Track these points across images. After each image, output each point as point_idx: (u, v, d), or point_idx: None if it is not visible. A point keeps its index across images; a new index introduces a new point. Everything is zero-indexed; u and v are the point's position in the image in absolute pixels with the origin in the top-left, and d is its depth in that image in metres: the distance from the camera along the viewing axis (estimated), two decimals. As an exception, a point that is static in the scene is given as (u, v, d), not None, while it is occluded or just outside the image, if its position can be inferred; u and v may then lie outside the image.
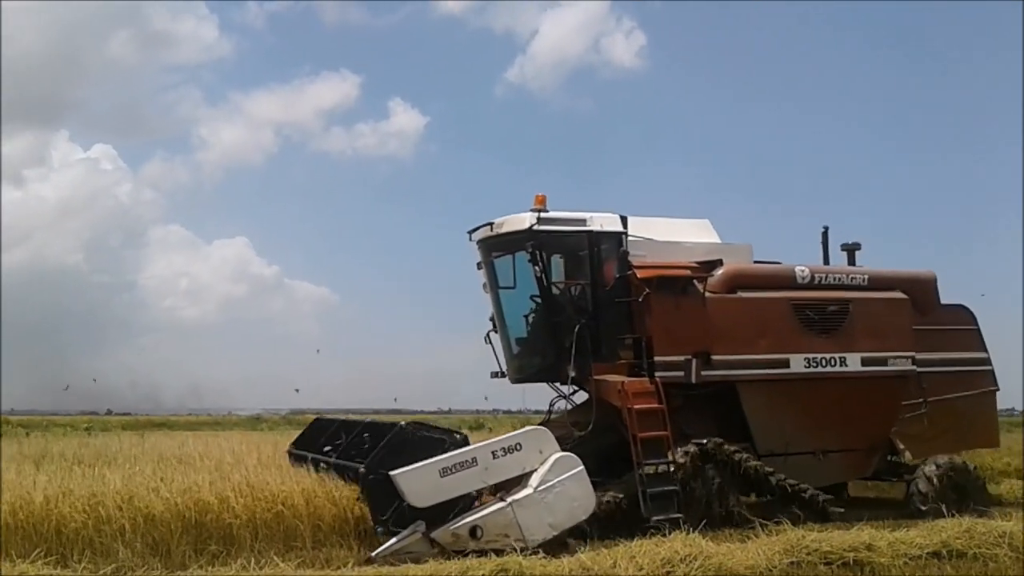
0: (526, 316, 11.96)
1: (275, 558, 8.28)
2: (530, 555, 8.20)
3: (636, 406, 10.62)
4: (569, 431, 11.49)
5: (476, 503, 9.53)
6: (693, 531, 10.26)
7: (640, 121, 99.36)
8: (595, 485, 10.93)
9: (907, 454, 12.81)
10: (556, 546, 9.36)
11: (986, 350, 13.78)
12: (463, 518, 9.24)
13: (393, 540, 9.01)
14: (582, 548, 9.32)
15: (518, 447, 9.61)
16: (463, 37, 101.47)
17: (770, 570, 8.02)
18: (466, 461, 9.31)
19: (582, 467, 9.80)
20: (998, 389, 13.89)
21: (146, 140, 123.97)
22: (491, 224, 11.82)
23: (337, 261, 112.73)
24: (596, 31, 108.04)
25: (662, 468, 10.56)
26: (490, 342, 12.61)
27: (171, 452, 13.29)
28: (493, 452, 9.49)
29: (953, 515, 10.16)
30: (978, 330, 13.77)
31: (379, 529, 9.05)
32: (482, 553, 8.66)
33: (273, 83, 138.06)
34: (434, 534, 9.10)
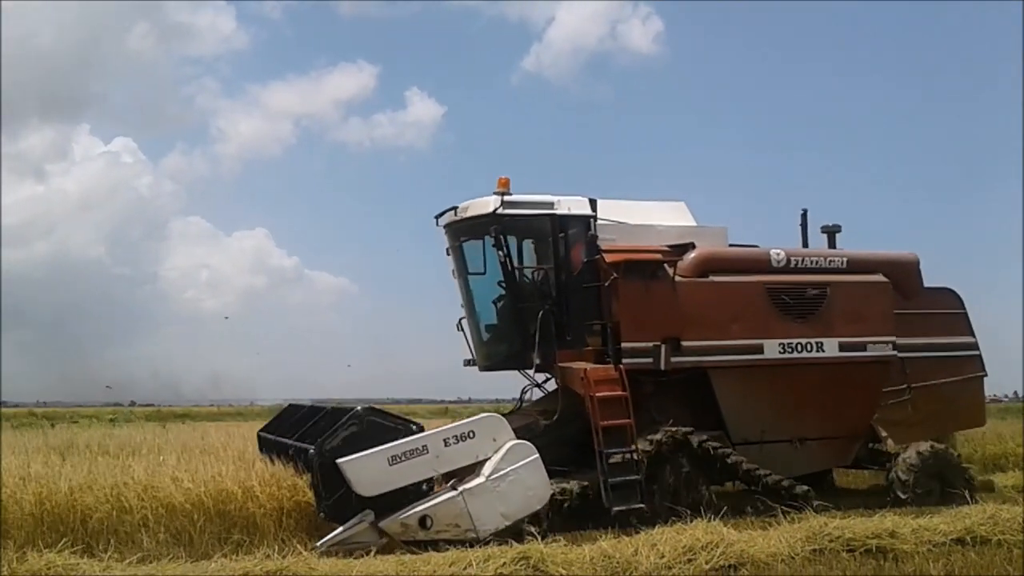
0: (495, 302, 11.63)
1: (298, 547, 8.11)
2: (550, 542, 8.01)
3: (598, 394, 10.29)
4: (536, 420, 11.21)
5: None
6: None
7: (658, 107, 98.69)
8: (562, 474, 10.70)
9: (889, 441, 12.40)
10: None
11: (973, 334, 13.31)
12: (413, 507, 8.96)
13: (340, 529, 8.76)
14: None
15: (471, 435, 9.31)
16: (479, 26, 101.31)
17: (792, 557, 7.86)
18: (416, 449, 9.02)
19: (537, 455, 9.48)
20: (986, 374, 13.42)
21: (165, 133, 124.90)
22: (455, 208, 11.50)
23: (356, 251, 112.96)
24: (613, 17, 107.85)
25: (625, 457, 10.20)
26: (462, 329, 12.30)
27: (194, 443, 13.35)
28: (445, 440, 9.19)
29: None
30: (965, 314, 13.31)
31: (322, 514, 8.82)
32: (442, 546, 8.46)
33: (291, 74, 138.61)
34: (382, 523, 8.84)
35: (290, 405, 12.65)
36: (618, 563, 7.56)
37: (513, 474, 9.30)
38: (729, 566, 7.61)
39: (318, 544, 8.60)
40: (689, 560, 7.63)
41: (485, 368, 11.79)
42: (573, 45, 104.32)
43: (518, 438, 9.95)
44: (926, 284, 13.25)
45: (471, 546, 8.44)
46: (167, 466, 9.97)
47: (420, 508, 8.97)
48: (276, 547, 8.06)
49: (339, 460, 8.74)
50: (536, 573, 7.08)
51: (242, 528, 9.00)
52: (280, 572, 6.73)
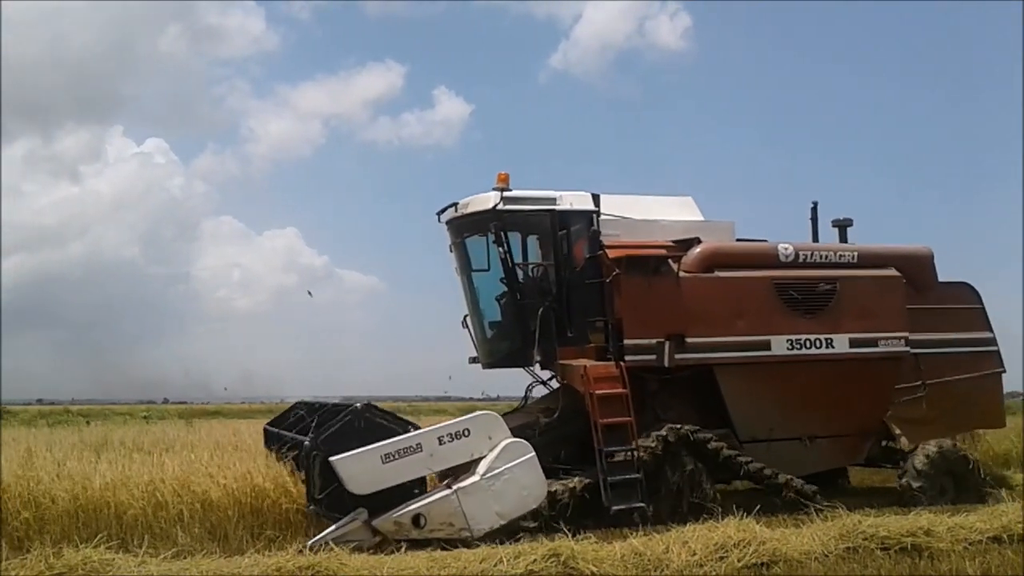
0: (498, 299, 11.48)
1: (331, 543, 8.12)
2: (581, 539, 7.88)
3: (598, 391, 10.10)
4: (537, 418, 11.07)
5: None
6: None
7: (687, 104, 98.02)
8: (566, 472, 10.54)
9: (903, 440, 12.06)
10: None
11: (991, 330, 12.93)
12: (406, 506, 8.86)
13: (333, 527, 8.70)
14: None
15: (466, 433, 9.19)
16: (506, 24, 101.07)
17: (826, 556, 7.73)
18: (410, 447, 8.94)
19: (533, 454, 9.34)
20: (1004, 371, 13.04)
21: (197, 133, 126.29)
22: (456, 205, 11.37)
23: (385, 250, 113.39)
24: (640, 14, 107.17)
25: (625, 455, 10.01)
26: (467, 327, 12.17)
27: (226, 439, 13.50)
28: (439, 438, 9.09)
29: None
30: (982, 309, 12.93)
31: (311, 507, 8.78)
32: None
33: (320, 75, 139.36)
34: (375, 522, 8.76)
35: (298, 402, 12.61)
36: (649, 560, 7.50)
37: (508, 473, 9.17)
38: (761, 564, 7.51)
39: (310, 542, 8.52)
40: (721, 558, 7.53)
41: (488, 366, 11.64)
42: (601, 42, 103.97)
43: (518, 436, 9.84)
44: (942, 279, 12.91)
45: (500, 542, 8.24)
46: (201, 462, 10.13)
47: (414, 506, 8.89)
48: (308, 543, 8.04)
49: (332, 458, 8.65)
50: (566, 570, 7.03)
51: (274, 524, 9.19)
52: (312, 568, 6.71)
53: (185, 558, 7.59)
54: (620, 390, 10.18)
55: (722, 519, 8.65)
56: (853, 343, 11.66)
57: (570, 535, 8.04)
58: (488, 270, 11.34)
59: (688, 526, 8.40)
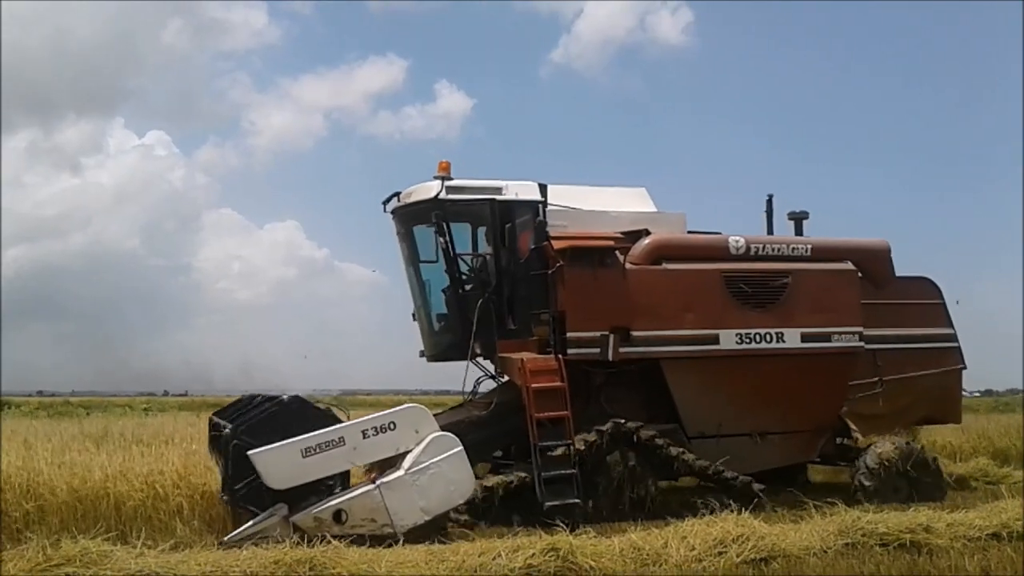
0: (444, 291, 11.16)
1: (328, 537, 7.82)
2: (579, 534, 7.69)
3: (534, 385, 9.76)
4: (480, 412, 10.78)
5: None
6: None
7: (688, 99, 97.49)
8: (504, 467, 10.25)
9: (859, 436, 11.74)
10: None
11: (952, 325, 12.57)
12: (327, 501, 8.55)
13: (250, 523, 8.42)
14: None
15: (391, 426, 8.87)
16: (508, 18, 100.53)
17: (824, 551, 7.62)
18: (332, 441, 8.62)
19: (460, 448, 9.01)
20: (964, 367, 12.68)
21: (198, 126, 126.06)
22: (398, 194, 11.05)
23: (387, 244, 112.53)
24: (641, 8, 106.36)
25: (561, 450, 9.68)
26: (416, 320, 11.86)
27: None
28: (363, 431, 8.77)
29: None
30: (943, 304, 12.58)
31: (223, 496, 8.55)
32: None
33: (321, 68, 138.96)
34: (294, 518, 8.45)
35: (243, 395, 12.31)
36: (647, 555, 7.38)
37: (434, 467, 8.84)
38: (760, 559, 7.38)
39: (225, 538, 8.25)
40: (720, 553, 7.42)
41: (432, 359, 11.34)
42: (602, 37, 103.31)
43: (458, 431, 9.55)
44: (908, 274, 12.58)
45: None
46: (200, 455, 10.06)
47: (335, 502, 8.58)
48: (305, 537, 7.75)
49: (250, 452, 8.35)
50: (565, 565, 6.90)
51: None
52: (309, 560, 6.59)
53: (183, 550, 7.43)
54: (557, 384, 9.85)
55: (747, 512, 8.45)
56: (805, 337, 11.31)
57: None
58: (436, 261, 11.03)
59: (687, 520, 8.24)
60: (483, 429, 10.49)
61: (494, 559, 6.88)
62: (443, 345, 11.12)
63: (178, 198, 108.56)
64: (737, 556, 7.38)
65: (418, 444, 8.89)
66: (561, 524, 8.13)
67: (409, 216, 11.10)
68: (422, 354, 11.85)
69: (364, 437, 8.74)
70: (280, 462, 8.39)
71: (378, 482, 8.71)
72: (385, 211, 11.34)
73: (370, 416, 8.99)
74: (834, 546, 7.77)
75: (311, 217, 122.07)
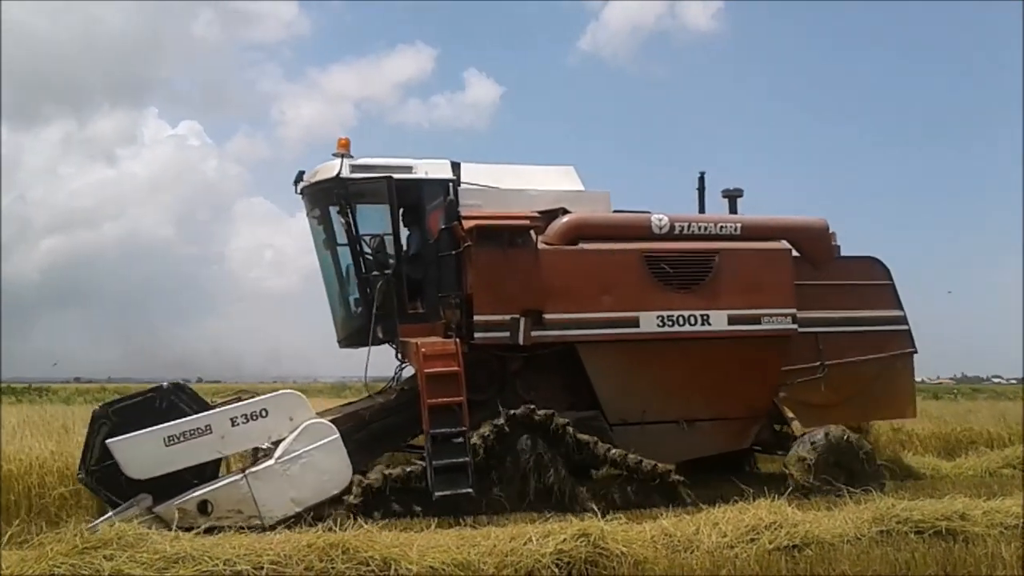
0: (346, 274, 10.55)
1: (360, 519, 7.60)
2: (611, 519, 7.31)
3: (427, 369, 9.12)
4: (386, 400, 10.19)
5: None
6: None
7: (718, 85, 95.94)
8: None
9: (796, 424, 10.92)
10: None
11: (901, 307, 11.68)
12: (192, 492, 8.02)
13: (111, 514, 7.92)
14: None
15: (263, 413, 8.35)
16: (536, 6, 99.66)
17: (858, 539, 7.35)
18: (198, 429, 8.11)
19: (337, 436, 8.46)
20: (915, 351, 11.79)
21: (230, 116, 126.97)
22: (302, 173, 10.46)
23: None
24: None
25: (454, 438, 9.04)
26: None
27: None
28: (232, 419, 8.27)
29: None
30: (891, 284, 11.69)
31: (80, 475, 8.10)
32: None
33: (350, 58, 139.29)
34: (157, 509, 7.94)
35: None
36: (679, 541, 7.18)
37: (306, 456, 8.32)
38: (793, 546, 7.11)
39: (88, 527, 7.72)
40: (752, 540, 7.18)
41: (343, 344, 10.71)
42: (631, 24, 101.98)
43: (365, 418, 9.00)
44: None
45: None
46: None
47: (199, 492, 8.08)
48: (338, 519, 7.44)
49: (109, 441, 7.86)
50: (596, 550, 6.66)
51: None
52: (342, 543, 6.34)
53: (218, 534, 7.16)
54: (453, 368, 9.20)
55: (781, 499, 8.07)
56: (732, 320, 10.54)
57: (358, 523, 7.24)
58: (343, 243, 10.43)
59: (718, 507, 7.90)
60: (392, 416, 9.91)
61: (525, 544, 6.68)
62: (350, 330, 10.51)
63: (211, 188, 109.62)
64: (769, 543, 7.13)
65: (291, 432, 8.32)
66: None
67: (315, 196, 10.49)
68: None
69: (233, 425, 8.24)
70: (140, 451, 7.93)
71: (247, 471, 8.17)
72: (296, 192, 10.73)
73: (240, 403, 8.44)
74: (868, 533, 7.47)
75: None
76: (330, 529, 6.67)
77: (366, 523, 7.96)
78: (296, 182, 10.63)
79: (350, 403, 10.58)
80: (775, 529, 7.28)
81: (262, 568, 6.09)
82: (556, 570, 6.41)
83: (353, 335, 10.36)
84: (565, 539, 6.67)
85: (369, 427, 9.74)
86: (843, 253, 11.62)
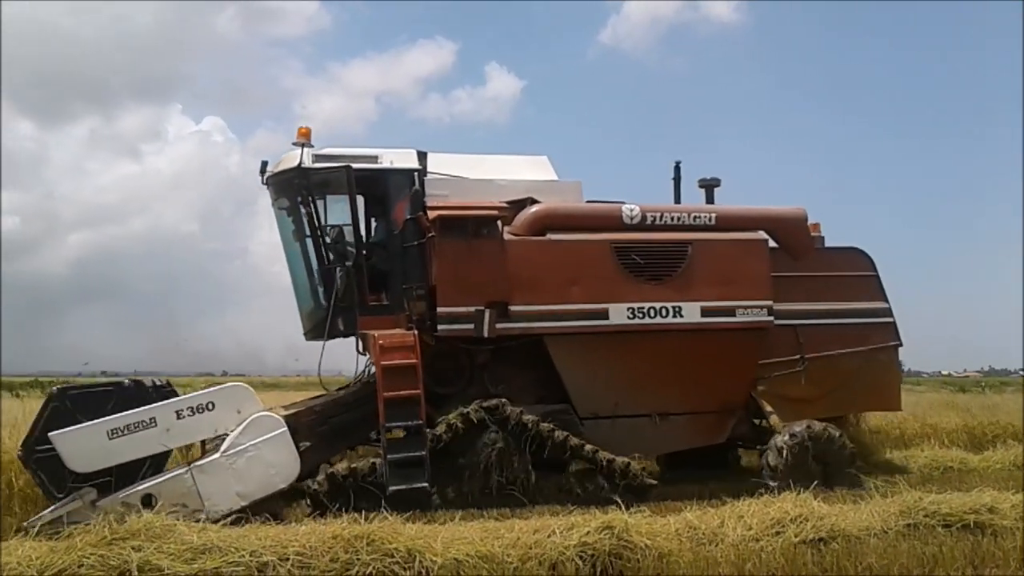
0: (307, 266, 10.31)
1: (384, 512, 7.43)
2: (635, 512, 7.14)
3: (383, 362, 8.87)
4: (345, 395, 9.98)
5: None
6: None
7: (740, 77, 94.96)
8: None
9: (774, 418, 10.54)
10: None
11: (886, 299, 11.27)
12: (136, 485, 7.84)
13: (54, 507, 7.75)
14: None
15: (210, 406, 8.15)
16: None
17: (885, 532, 7.22)
18: (142, 422, 7.92)
19: (284, 429, 8.25)
20: (900, 344, 11.37)
21: (252, 112, 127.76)
22: (266, 163, 10.25)
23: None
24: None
25: (411, 432, 8.79)
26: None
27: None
28: (178, 412, 8.07)
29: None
30: (875, 276, 11.28)
31: (19, 452, 7.96)
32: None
33: (371, 52, 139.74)
34: (101, 503, 7.75)
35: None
36: (703, 534, 7.07)
37: (253, 450, 8.12)
38: (819, 540, 6.97)
39: (28, 522, 7.59)
40: (777, 533, 7.04)
41: (309, 337, 10.48)
42: (651, 16, 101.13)
43: (324, 413, 8.80)
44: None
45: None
46: None
47: (144, 486, 7.88)
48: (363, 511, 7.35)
49: (51, 433, 7.69)
50: (620, 543, 6.57)
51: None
52: (367, 535, 6.33)
53: (244, 525, 7.14)
54: (410, 360, 8.94)
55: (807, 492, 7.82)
56: (706, 312, 10.19)
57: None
58: (305, 234, 10.19)
59: (743, 500, 7.75)
60: (352, 410, 9.67)
61: (549, 536, 6.60)
62: (315, 321, 10.28)
63: (234, 183, 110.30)
64: (795, 536, 6.98)
65: (238, 426, 8.10)
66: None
67: (279, 187, 10.27)
68: None
69: (179, 417, 8.03)
70: (83, 444, 7.72)
71: (192, 465, 7.96)
72: (262, 182, 10.51)
73: (187, 396, 8.23)
74: (895, 527, 7.32)
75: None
76: (355, 521, 6.62)
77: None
78: (261, 172, 10.42)
79: (316, 397, 10.35)
80: (801, 522, 7.15)
81: (288, 559, 6.08)
82: (580, 563, 6.31)
83: (318, 327, 10.13)
84: (589, 532, 6.60)
85: (330, 421, 9.52)
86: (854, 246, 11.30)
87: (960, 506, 7.58)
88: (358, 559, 6.11)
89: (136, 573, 5.87)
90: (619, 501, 8.86)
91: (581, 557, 6.33)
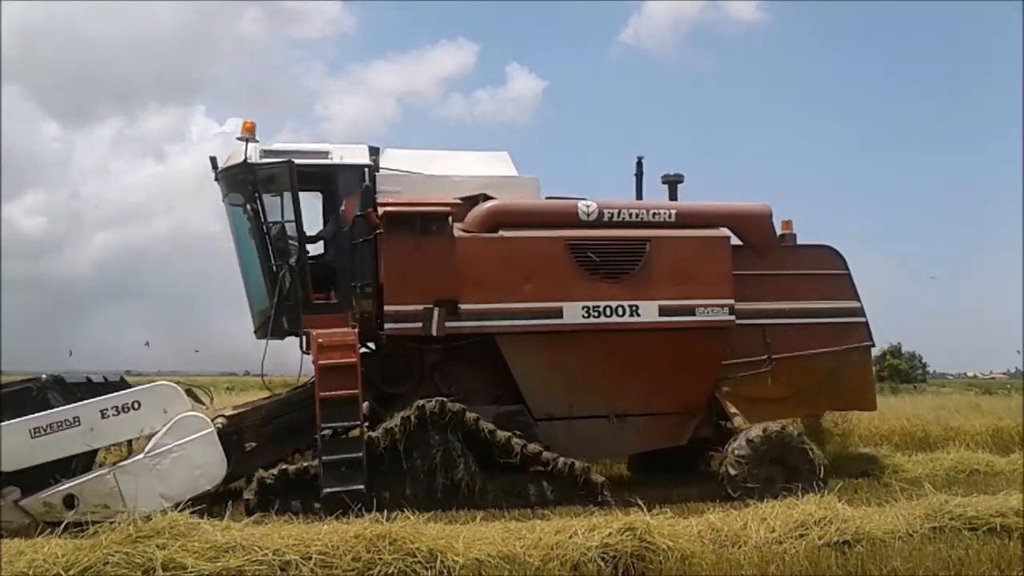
0: (254, 262, 10.04)
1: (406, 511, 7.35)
2: (657, 514, 7.04)
3: (321, 361, 8.59)
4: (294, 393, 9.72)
5: None
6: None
7: (762, 77, 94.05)
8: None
9: (738, 419, 10.13)
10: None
11: (858, 298, 10.81)
12: (58, 486, 7.61)
13: (-24, 507, 7.51)
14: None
15: (136, 406, 7.93)
16: None
17: (911, 535, 7.11)
18: (65, 421, 7.70)
19: (212, 430, 8.01)
20: (873, 344, 10.94)
21: (275, 112, 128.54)
22: (215, 159, 10.01)
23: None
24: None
25: (349, 432, 8.51)
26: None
27: None
28: (102, 411, 7.85)
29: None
30: (846, 275, 10.83)
31: None
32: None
33: (392, 53, 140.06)
34: (23, 502, 7.57)
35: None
36: (726, 536, 6.96)
37: (178, 450, 7.88)
38: (843, 542, 6.84)
39: None
40: (801, 535, 6.92)
41: (258, 336, 10.21)
42: (674, 16, 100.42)
43: (267, 413, 8.54)
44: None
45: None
46: None
47: (66, 486, 7.67)
48: (384, 511, 7.19)
49: None
50: (642, 544, 6.52)
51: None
52: (388, 535, 6.32)
53: (267, 524, 7.14)
54: (349, 359, 8.65)
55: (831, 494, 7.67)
56: (664, 311, 9.80)
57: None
58: (254, 230, 9.92)
59: (766, 502, 7.59)
60: (298, 410, 9.41)
61: (571, 537, 6.54)
62: (260, 320, 10.01)
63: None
64: (819, 539, 6.84)
65: (164, 425, 7.86)
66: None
67: (228, 182, 10.04)
68: None
69: (103, 417, 7.82)
70: (5, 443, 7.49)
71: (115, 465, 7.73)
72: (215, 178, 10.26)
73: (112, 395, 8.00)
74: (920, 530, 7.17)
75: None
76: (377, 520, 6.54)
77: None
78: (213, 167, 10.18)
79: (265, 398, 10.11)
80: (824, 525, 6.99)
81: (310, 558, 6.08)
82: (602, 564, 6.25)
83: (265, 325, 9.86)
84: (611, 533, 6.54)
85: (275, 422, 9.28)
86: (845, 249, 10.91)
87: (986, 509, 7.40)
88: (380, 559, 6.10)
89: (160, 571, 5.87)
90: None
91: (603, 558, 6.29)
